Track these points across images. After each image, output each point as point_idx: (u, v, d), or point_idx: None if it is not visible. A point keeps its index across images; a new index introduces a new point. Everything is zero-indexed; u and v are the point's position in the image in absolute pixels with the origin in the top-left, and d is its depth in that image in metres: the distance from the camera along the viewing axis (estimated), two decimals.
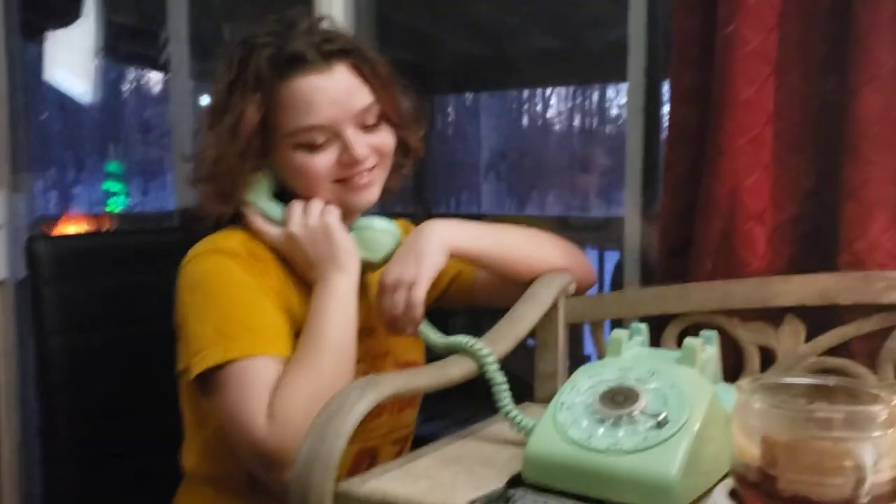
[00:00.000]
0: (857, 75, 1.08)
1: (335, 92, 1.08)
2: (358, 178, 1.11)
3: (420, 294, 1.06)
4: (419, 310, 1.06)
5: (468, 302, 1.29)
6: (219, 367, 1.01)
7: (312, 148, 1.09)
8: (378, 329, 1.16)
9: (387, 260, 1.12)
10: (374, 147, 1.12)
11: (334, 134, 1.09)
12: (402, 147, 1.19)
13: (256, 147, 1.08)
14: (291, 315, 1.09)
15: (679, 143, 1.22)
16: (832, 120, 1.14)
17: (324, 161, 1.09)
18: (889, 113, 1.06)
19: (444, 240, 1.09)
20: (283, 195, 1.14)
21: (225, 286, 1.06)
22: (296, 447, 0.83)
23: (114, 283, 1.36)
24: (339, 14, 1.53)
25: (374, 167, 1.12)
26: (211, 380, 1.02)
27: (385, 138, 1.14)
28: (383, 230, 1.15)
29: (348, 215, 1.14)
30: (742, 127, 1.11)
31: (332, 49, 1.08)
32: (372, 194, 1.14)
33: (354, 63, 1.10)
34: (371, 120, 1.11)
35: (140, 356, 1.33)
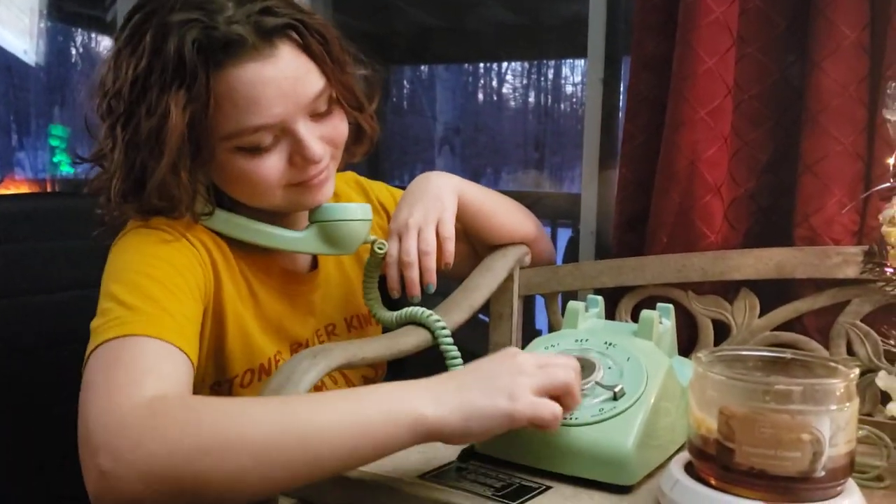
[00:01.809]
0: (818, 48, 1.07)
1: (282, 82, 0.88)
2: (314, 178, 0.95)
3: (451, 228, 1.00)
4: (452, 243, 1.00)
5: None
6: (105, 345, 0.79)
7: (257, 150, 0.90)
8: (339, 326, 1.11)
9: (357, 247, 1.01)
10: (328, 138, 0.95)
11: (283, 131, 0.91)
12: (353, 131, 1.02)
13: (187, 153, 0.88)
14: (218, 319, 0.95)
15: (638, 114, 1.21)
16: (792, 93, 1.13)
17: (273, 165, 0.91)
18: (848, 87, 1.05)
19: (454, 185, 1.05)
20: (220, 199, 0.97)
21: (142, 258, 0.88)
22: (141, 471, 0.66)
23: (53, 246, 1.30)
24: None
25: (329, 163, 0.97)
26: (88, 366, 0.79)
27: (338, 126, 0.97)
28: (359, 219, 0.99)
29: (300, 210, 1.01)
30: (702, 98, 1.10)
31: (274, 25, 0.88)
32: (328, 190, 0.98)
33: (301, 40, 0.90)
34: (322, 106, 0.94)
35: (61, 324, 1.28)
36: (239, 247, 0.98)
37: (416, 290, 0.99)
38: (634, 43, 1.20)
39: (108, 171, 0.92)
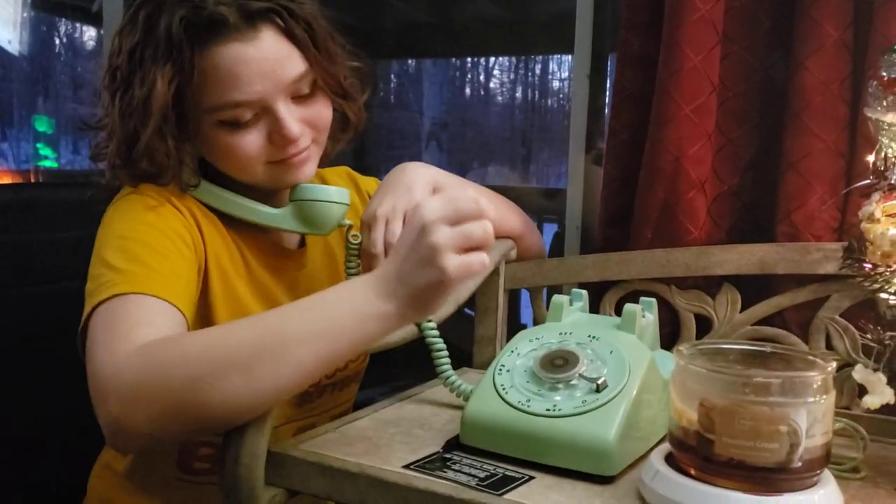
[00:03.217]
0: (802, 47, 1.08)
1: (263, 62, 0.93)
2: (293, 157, 0.99)
3: None
4: None
5: None
6: (101, 306, 0.84)
7: (238, 125, 0.95)
8: None
9: (332, 230, 1.04)
10: (309, 121, 0.99)
11: (263, 108, 0.95)
12: (340, 118, 1.07)
13: (173, 122, 0.94)
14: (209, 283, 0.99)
15: (623, 110, 1.22)
16: (775, 91, 1.15)
17: (253, 140, 0.96)
18: (831, 85, 1.07)
19: (429, 175, 1.06)
20: (209, 173, 1.02)
21: (131, 224, 0.93)
22: (145, 410, 0.74)
23: (37, 238, 1.30)
24: None
25: (309, 144, 1.01)
26: (89, 327, 0.84)
27: (321, 110, 1.01)
28: (335, 201, 1.01)
29: (282, 188, 1.05)
30: (688, 95, 1.11)
31: (257, 9, 0.93)
32: (309, 170, 1.02)
33: (284, 25, 0.95)
34: (305, 89, 0.98)
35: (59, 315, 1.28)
36: (230, 220, 1.03)
37: None
38: (620, 40, 1.21)
39: (106, 136, 0.99)
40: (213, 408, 0.74)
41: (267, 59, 0.94)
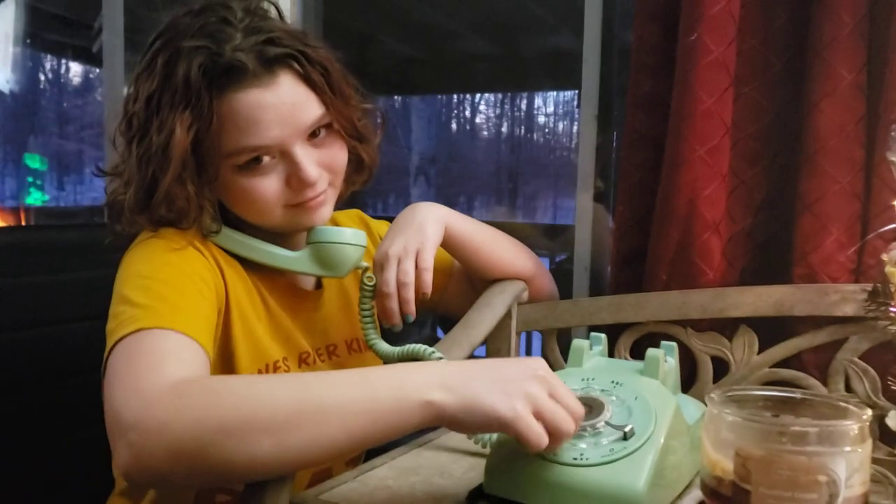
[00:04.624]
0: (815, 89, 1.08)
1: (281, 107, 0.94)
2: (311, 200, 1.00)
3: (430, 258, 1.02)
4: (430, 274, 1.01)
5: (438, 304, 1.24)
6: (123, 341, 0.83)
7: (256, 170, 0.96)
8: (340, 347, 1.12)
9: (349, 273, 1.04)
10: (325, 164, 1.00)
11: (281, 153, 0.96)
12: (354, 161, 1.07)
13: (192, 168, 0.94)
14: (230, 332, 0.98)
15: (635, 152, 1.22)
16: (789, 133, 1.15)
17: (271, 184, 0.97)
18: (846, 127, 1.07)
19: (440, 215, 1.07)
20: (227, 217, 1.02)
21: (153, 265, 0.92)
22: (168, 448, 0.70)
23: (33, 280, 1.28)
24: (287, 10, 1.48)
25: (326, 187, 1.01)
26: (109, 362, 0.83)
27: (337, 153, 1.02)
28: (352, 243, 1.02)
29: (299, 231, 1.05)
30: (701, 137, 1.11)
31: (275, 55, 0.94)
32: (325, 212, 1.03)
33: (302, 70, 0.96)
34: (321, 133, 1.00)
35: (61, 357, 1.27)
36: (249, 262, 1.02)
37: (395, 320, 1.01)
38: (630, 82, 1.22)
39: (123, 183, 0.98)
40: (237, 464, 0.71)
41: (284, 103, 0.94)
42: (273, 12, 1.05)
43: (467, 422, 0.74)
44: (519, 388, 0.74)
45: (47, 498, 1.26)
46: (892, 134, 0.84)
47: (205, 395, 0.74)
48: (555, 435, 0.75)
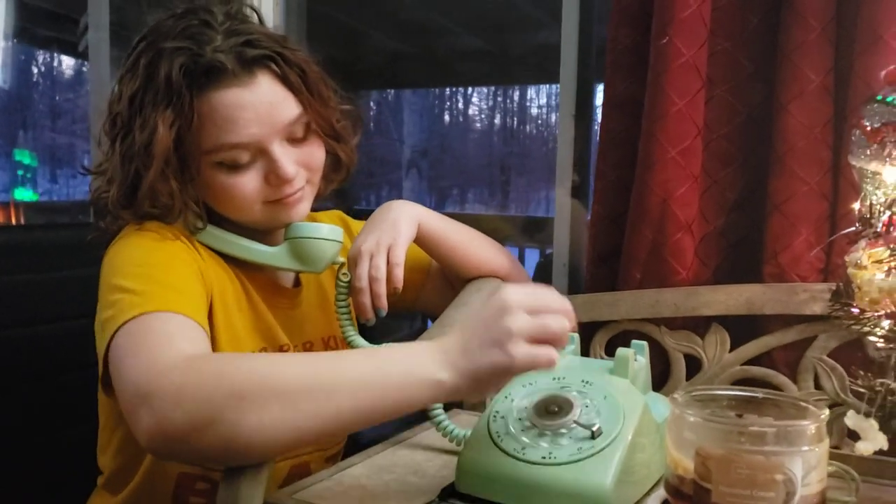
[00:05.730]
0: (784, 91, 1.10)
1: (259, 106, 0.97)
2: (289, 197, 1.02)
3: (401, 254, 1.04)
4: (401, 269, 1.03)
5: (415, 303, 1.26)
6: (126, 325, 0.84)
7: (236, 167, 0.98)
8: (316, 345, 1.14)
9: (325, 268, 1.06)
10: (303, 162, 1.02)
11: (259, 150, 0.98)
12: (332, 160, 1.09)
13: (175, 165, 0.96)
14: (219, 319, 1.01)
15: (610, 152, 1.24)
16: (759, 134, 1.17)
17: (250, 181, 0.99)
18: (814, 129, 1.08)
19: (414, 213, 1.09)
20: (209, 216, 1.03)
21: (143, 252, 0.95)
22: (186, 414, 0.73)
23: (25, 279, 1.30)
24: (269, 10, 1.49)
25: (304, 184, 1.03)
26: (114, 346, 0.85)
27: (314, 152, 1.04)
28: (327, 238, 1.04)
29: (278, 227, 1.06)
30: (674, 138, 1.12)
31: (254, 56, 0.97)
32: (303, 209, 1.05)
33: (280, 71, 0.99)
34: (299, 132, 1.02)
35: (53, 355, 1.28)
36: (232, 259, 1.05)
37: (368, 314, 1.04)
38: (606, 83, 1.23)
39: (107, 181, 1.00)
40: (244, 429, 0.74)
41: (263, 102, 0.97)
42: (254, 18, 1.07)
43: (481, 388, 0.78)
44: (503, 330, 0.76)
45: (36, 492, 1.27)
46: (853, 138, 0.85)
47: (220, 364, 0.78)
48: (556, 342, 0.78)
